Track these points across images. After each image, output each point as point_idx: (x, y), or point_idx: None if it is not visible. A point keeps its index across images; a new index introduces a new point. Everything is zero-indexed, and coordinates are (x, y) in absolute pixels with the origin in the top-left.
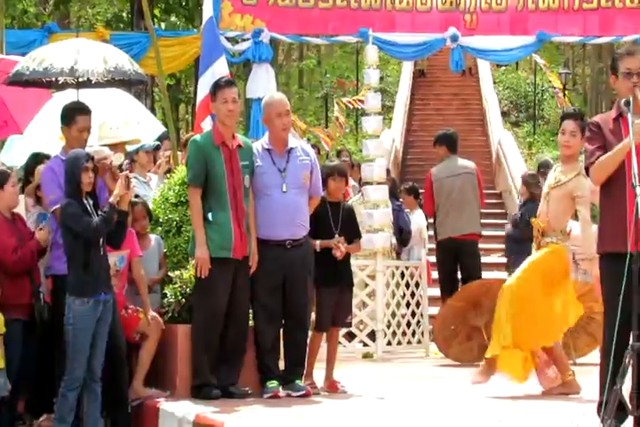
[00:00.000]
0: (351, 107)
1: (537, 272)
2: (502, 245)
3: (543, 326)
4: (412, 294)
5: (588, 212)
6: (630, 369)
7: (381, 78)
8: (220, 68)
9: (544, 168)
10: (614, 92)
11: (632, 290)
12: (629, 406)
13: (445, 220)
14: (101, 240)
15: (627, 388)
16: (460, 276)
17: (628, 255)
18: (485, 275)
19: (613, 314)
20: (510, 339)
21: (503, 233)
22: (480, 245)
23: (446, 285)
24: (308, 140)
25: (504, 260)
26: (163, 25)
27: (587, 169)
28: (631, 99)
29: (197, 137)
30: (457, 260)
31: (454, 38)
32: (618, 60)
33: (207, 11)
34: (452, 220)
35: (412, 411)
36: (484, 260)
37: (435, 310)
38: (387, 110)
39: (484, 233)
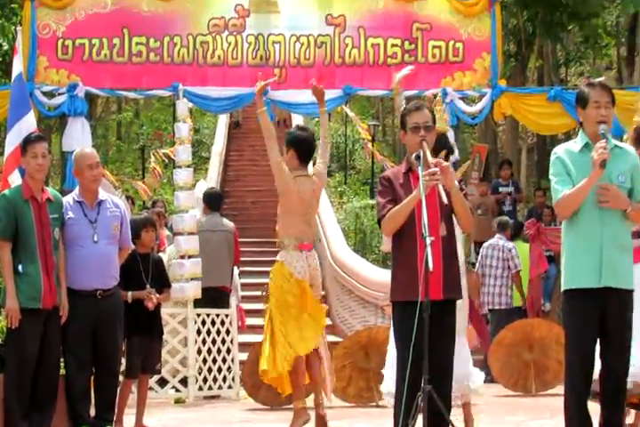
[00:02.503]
0: (167, 159)
1: None
2: None
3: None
4: (223, 341)
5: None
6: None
7: (198, 130)
8: (27, 124)
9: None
10: None
11: (422, 337)
12: None
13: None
14: None
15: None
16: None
17: (419, 304)
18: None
19: (405, 359)
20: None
21: None
22: None
23: None
24: (127, 190)
25: None
26: None
27: (379, 221)
28: (421, 152)
29: (6, 191)
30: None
31: (264, 92)
32: (406, 116)
33: (16, 67)
34: (205, 272)
35: None
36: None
37: (244, 356)
38: (204, 161)
39: None
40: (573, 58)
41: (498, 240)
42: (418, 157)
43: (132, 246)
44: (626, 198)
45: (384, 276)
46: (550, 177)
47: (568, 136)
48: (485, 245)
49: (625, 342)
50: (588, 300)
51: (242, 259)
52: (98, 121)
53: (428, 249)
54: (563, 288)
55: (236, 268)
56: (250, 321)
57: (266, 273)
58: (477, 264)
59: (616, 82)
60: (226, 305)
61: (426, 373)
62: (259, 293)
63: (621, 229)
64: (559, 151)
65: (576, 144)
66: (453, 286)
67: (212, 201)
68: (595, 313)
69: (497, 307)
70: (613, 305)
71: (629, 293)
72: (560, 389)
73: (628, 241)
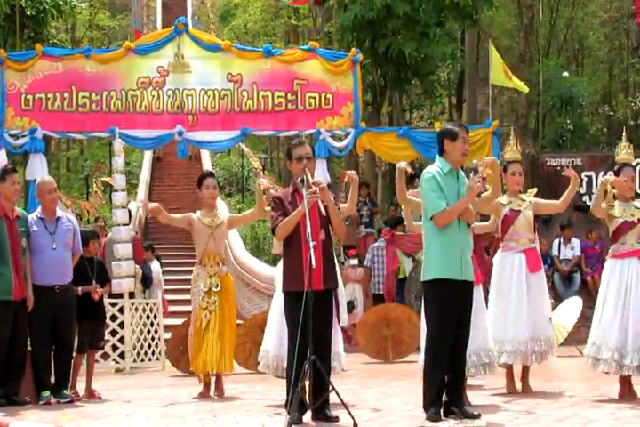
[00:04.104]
0: (105, 185)
1: None
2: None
3: None
4: (152, 324)
5: None
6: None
7: (128, 163)
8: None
9: None
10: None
11: (308, 318)
12: (308, 402)
13: None
14: None
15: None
16: None
17: (305, 293)
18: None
19: (294, 336)
20: None
21: None
22: None
23: None
24: (75, 209)
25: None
26: None
27: (273, 230)
28: (304, 177)
29: None
30: None
31: (180, 133)
32: (292, 150)
33: None
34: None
35: (149, 410)
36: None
37: (168, 335)
38: (133, 186)
39: None
40: (415, 105)
41: (381, 243)
42: (302, 181)
43: (82, 252)
44: (474, 214)
45: (274, 272)
46: (427, 191)
47: (413, 164)
48: (373, 246)
49: (470, 320)
50: (452, 288)
51: (163, 261)
52: (52, 156)
53: (312, 251)
54: (430, 278)
55: (159, 267)
56: (171, 308)
57: (182, 272)
58: (367, 262)
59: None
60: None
61: (311, 347)
62: (179, 286)
63: (470, 236)
64: (433, 172)
65: (440, 168)
66: (331, 279)
67: None
68: (456, 299)
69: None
70: (467, 293)
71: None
72: (412, 357)
73: (472, 245)
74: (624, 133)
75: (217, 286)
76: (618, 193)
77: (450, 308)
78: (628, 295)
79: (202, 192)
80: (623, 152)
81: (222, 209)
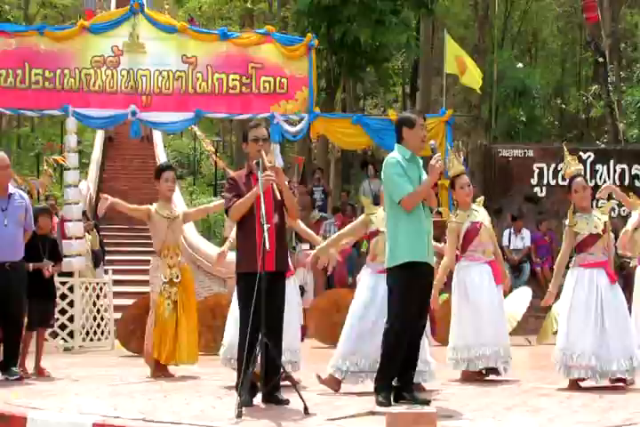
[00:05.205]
0: (57, 164)
1: None
2: None
3: None
4: (102, 303)
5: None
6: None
7: (80, 142)
8: None
9: None
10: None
11: (260, 299)
12: (259, 385)
13: None
14: None
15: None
16: None
17: (258, 275)
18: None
19: (247, 318)
20: None
21: None
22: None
23: None
24: (25, 187)
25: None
26: None
27: (227, 211)
28: (260, 159)
29: None
30: None
31: (134, 113)
32: (248, 131)
33: None
34: None
35: (98, 389)
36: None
37: (118, 315)
38: (84, 166)
39: None
40: (369, 93)
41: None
42: (257, 163)
43: (33, 229)
44: (436, 200)
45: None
46: (392, 175)
47: (364, 151)
48: (327, 222)
49: (429, 304)
50: (419, 272)
51: (109, 240)
52: (2, 133)
53: (266, 234)
54: (400, 262)
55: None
56: (118, 289)
57: (130, 253)
58: (320, 236)
59: (400, 112)
60: None
61: (264, 329)
62: (127, 267)
63: (431, 221)
64: (397, 157)
65: (402, 155)
66: (283, 261)
67: None
68: (421, 283)
69: None
70: (430, 277)
71: None
72: None
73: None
74: (566, 150)
75: (177, 276)
76: (577, 206)
77: (415, 293)
78: (598, 304)
79: (160, 185)
80: (571, 165)
81: (178, 202)
